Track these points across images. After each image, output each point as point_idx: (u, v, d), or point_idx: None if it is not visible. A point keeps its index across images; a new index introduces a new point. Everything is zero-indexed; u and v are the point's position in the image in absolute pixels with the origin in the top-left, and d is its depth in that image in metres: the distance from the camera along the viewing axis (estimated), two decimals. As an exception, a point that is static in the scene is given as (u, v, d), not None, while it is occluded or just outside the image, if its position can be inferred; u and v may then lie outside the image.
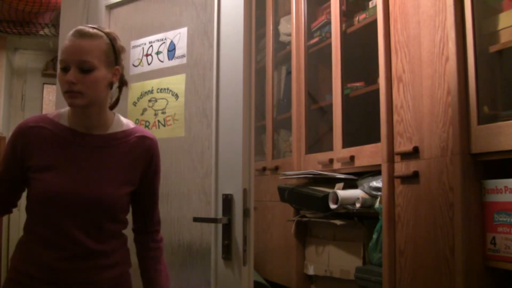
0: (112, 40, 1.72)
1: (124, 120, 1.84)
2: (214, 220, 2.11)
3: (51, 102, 5.17)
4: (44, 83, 5.28)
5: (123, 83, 1.87)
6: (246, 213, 2.03)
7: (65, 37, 1.69)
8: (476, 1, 1.96)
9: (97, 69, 1.66)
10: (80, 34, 1.66)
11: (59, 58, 1.70)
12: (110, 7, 2.72)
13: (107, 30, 1.74)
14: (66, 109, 1.78)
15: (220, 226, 2.08)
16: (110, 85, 1.75)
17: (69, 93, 1.64)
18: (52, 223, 1.66)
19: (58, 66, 1.68)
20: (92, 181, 1.70)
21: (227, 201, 2.07)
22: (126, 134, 1.80)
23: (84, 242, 1.67)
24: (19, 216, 4.76)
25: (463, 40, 1.99)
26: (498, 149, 1.84)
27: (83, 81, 1.64)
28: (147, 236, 1.89)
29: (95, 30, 1.69)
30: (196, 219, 2.16)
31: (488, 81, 1.99)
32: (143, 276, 1.86)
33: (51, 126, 1.74)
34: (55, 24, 4.19)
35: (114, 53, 1.73)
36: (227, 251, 2.04)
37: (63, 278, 1.66)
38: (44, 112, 5.25)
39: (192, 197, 2.30)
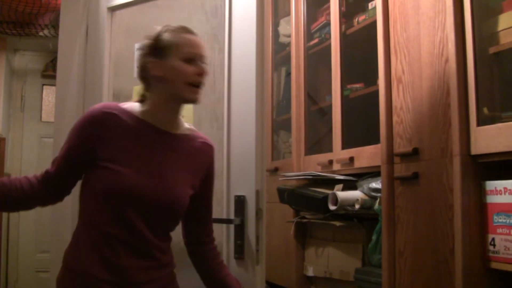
0: None
1: (183, 121, 1.84)
2: (227, 221, 2.12)
3: (50, 103, 5.17)
4: (43, 84, 5.28)
5: None
6: (258, 213, 2.06)
7: (169, 31, 1.74)
8: (475, 2, 1.96)
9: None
10: (192, 32, 1.74)
11: (182, 50, 1.70)
12: (113, 9, 2.71)
13: None
14: (135, 102, 1.78)
15: (232, 226, 2.09)
16: None
17: (196, 87, 1.69)
18: (120, 217, 1.62)
19: (177, 57, 1.69)
20: (169, 180, 1.69)
21: (240, 202, 2.09)
22: (192, 137, 1.81)
23: (151, 240, 1.66)
24: (18, 216, 4.78)
25: (462, 41, 1.99)
26: (498, 151, 1.84)
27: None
28: (209, 245, 1.90)
29: None
30: None
31: (487, 82, 1.99)
32: (215, 285, 1.88)
33: (125, 116, 1.70)
34: (55, 25, 4.19)
35: None
36: (240, 251, 2.07)
37: (126, 276, 1.62)
38: (43, 113, 5.25)
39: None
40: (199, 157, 1.80)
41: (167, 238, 1.76)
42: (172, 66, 1.68)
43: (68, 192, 1.77)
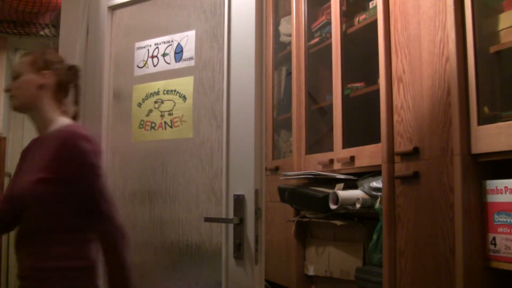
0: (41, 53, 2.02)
1: (66, 122, 1.98)
2: (226, 220, 2.12)
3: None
4: (44, 84, 5.27)
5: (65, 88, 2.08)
6: (258, 213, 2.05)
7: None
8: (476, 1, 1.96)
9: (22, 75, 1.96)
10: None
11: None
12: (113, 8, 2.71)
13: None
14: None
15: (231, 226, 2.09)
16: (40, 87, 1.96)
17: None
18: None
19: None
20: (17, 182, 1.96)
21: (239, 201, 2.09)
22: (51, 134, 1.94)
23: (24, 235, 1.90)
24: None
25: (463, 40, 1.99)
26: (498, 150, 1.84)
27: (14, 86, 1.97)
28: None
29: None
30: (207, 219, 2.17)
31: (488, 82, 1.99)
32: None
33: None
34: (56, 25, 4.18)
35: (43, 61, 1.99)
36: (239, 251, 2.07)
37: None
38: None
39: (201, 198, 2.30)
40: (44, 149, 1.89)
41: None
42: None
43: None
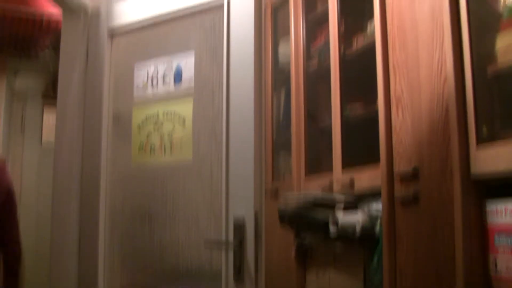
0: None
1: None
2: (225, 243, 2.11)
3: (51, 124, 5.17)
4: (44, 106, 5.29)
5: None
6: (257, 235, 2.04)
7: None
8: (473, 21, 1.96)
9: None
10: None
11: None
12: (113, 30, 2.72)
13: None
14: None
15: (231, 248, 2.08)
16: None
17: None
18: None
19: None
20: None
21: (239, 223, 2.08)
22: None
23: None
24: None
25: (460, 60, 1.99)
26: (498, 170, 1.83)
27: None
28: None
29: None
30: (207, 242, 2.16)
31: (486, 101, 1.99)
32: None
33: None
34: (56, 47, 4.21)
35: None
36: (239, 273, 2.06)
37: None
38: (44, 134, 5.26)
39: (201, 220, 2.29)
40: None
41: None
42: None
43: None
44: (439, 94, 2.11)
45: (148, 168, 2.52)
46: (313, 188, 3.19)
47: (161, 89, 2.54)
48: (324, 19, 3.26)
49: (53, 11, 3.72)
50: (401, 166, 2.31)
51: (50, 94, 5.08)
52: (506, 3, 1.87)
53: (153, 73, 2.59)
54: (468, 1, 1.98)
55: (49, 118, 5.28)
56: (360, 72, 3.01)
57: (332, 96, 3.06)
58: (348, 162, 2.93)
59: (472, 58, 1.95)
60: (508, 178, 1.82)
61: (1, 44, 4.15)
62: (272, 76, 3.92)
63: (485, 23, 2.02)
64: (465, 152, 1.96)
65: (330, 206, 2.91)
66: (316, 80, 3.46)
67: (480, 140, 1.93)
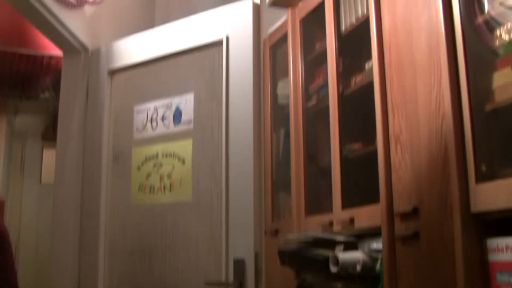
0: None
1: None
2: (226, 284, 2.09)
3: (51, 165, 5.17)
4: (44, 146, 5.30)
5: None
6: (258, 276, 2.03)
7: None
8: (470, 58, 1.98)
9: None
10: None
11: None
12: (113, 71, 2.75)
13: None
14: None
15: None
16: None
17: None
18: None
19: None
20: None
21: (239, 265, 2.07)
22: None
23: None
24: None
25: (458, 98, 2.01)
26: (498, 207, 1.83)
27: None
28: None
29: None
30: (207, 283, 2.14)
31: (485, 139, 1.99)
32: None
33: None
34: (56, 87, 4.24)
35: None
36: None
37: None
38: (43, 175, 5.25)
39: (201, 261, 2.28)
40: None
41: None
42: None
43: None
44: (438, 131, 2.11)
45: (148, 207, 2.52)
46: (313, 228, 3.17)
47: (160, 129, 2.55)
48: (322, 58, 3.29)
49: (54, 51, 3.76)
50: (401, 204, 2.31)
51: (49, 135, 5.10)
52: (502, 41, 1.89)
53: (153, 115, 2.60)
54: (464, 39, 2.00)
55: (49, 159, 5.29)
56: (359, 111, 3.02)
57: (331, 135, 3.07)
58: (348, 201, 2.91)
59: (470, 95, 1.97)
60: (508, 215, 1.82)
61: (1, 84, 4.18)
62: (271, 115, 3.93)
63: (482, 61, 2.04)
64: (464, 189, 1.96)
65: (331, 245, 2.89)
66: (315, 119, 3.47)
67: (480, 177, 1.92)
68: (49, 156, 5.29)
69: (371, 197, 2.60)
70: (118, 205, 2.66)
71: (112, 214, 2.66)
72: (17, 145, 5.24)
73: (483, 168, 1.96)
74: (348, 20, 3.06)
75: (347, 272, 2.66)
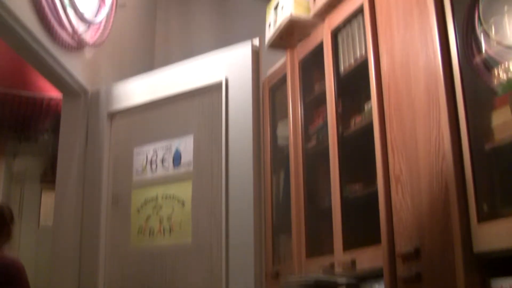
0: None
1: None
2: None
3: (49, 208, 5.15)
4: (42, 189, 5.28)
5: None
6: None
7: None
8: (468, 98, 1.99)
9: None
10: None
11: None
12: (112, 114, 2.76)
13: None
14: None
15: None
16: None
17: None
18: None
19: None
20: None
21: None
22: None
23: None
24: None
25: (458, 137, 2.01)
26: (500, 247, 1.81)
27: None
28: None
29: None
30: None
31: (485, 178, 1.98)
32: None
33: None
34: (55, 129, 4.25)
35: None
36: None
37: None
38: (42, 218, 5.22)
39: (201, 304, 2.25)
40: None
41: None
42: None
43: None
44: (438, 171, 2.11)
45: (147, 250, 2.49)
46: (314, 270, 3.13)
47: (160, 172, 2.55)
48: (322, 99, 3.30)
49: (54, 93, 3.78)
50: (402, 245, 2.28)
51: (48, 177, 5.09)
52: (500, 79, 1.90)
53: (152, 157, 2.60)
54: (462, 79, 2.01)
55: (47, 202, 5.26)
56: (359, 152, 3.02)
57: (331, 176, 3.05)
58: (349, 243, 2.88)
59: (469, 135, 1.97)
60: (510, 255, 1.80)
61: (1, 126, 4.20)
62: (271, 157, 3.93)
63: (480, 100, 2.05)
64: (466, 229, 1.94)
65: (332, 288, 2.86)
66: (315, 160, 3.47)
67: (481, 217, 1.91)
68: (47, 199, 5.27)
69: (372, 238, 2.58)
70: (118, 248, 2.64)
71: (112, 257, 2.64)
72: (15, 187, 5.23)
73: (485, 207, 1.94)
74: (347, 61, 3.08)
75: (349, 316, 2.62)
